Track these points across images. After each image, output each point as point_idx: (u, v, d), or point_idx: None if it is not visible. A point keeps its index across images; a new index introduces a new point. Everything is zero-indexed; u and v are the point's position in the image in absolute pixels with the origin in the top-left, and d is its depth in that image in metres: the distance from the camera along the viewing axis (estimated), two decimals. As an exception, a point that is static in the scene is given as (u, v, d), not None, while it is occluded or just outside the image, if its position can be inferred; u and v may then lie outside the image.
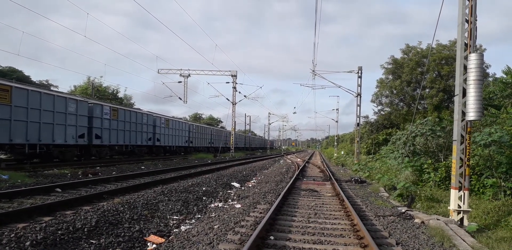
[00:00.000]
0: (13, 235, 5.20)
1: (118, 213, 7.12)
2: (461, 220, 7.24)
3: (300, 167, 22.01)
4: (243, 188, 13.06)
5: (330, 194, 11.34)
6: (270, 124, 77.69)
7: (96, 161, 21.80)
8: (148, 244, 5.81)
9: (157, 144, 30.78)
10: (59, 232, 5.59)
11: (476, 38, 7.44)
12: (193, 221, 7.55)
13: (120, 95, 52.93)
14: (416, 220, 7.67)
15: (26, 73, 41.30)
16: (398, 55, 34.99)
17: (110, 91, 50.35)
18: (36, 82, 40.77)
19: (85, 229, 5.89)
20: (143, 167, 19.12)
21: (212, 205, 9.39)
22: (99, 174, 14.66)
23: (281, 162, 32.68)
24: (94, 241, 5.54)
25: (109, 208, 7.34)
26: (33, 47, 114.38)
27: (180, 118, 37.67)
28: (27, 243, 4.97)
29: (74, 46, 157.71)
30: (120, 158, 25.82)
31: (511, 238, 6.19)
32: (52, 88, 36.20)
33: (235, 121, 41.10)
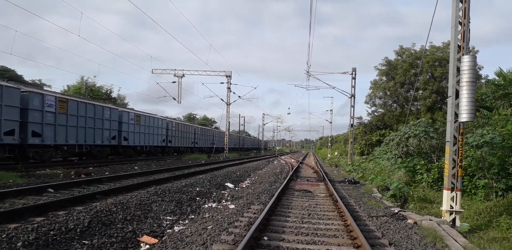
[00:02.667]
0: (4, 235, 5.15)
1: (111, 214, 7.08)
2: (454, 220, 7.29)
3: (294, 168, 22.04)
4: (237, 188, 13.05)
5: (323, 195, 11.37)
6: (264, 125, 77.82)
7: (89, 161, 21.68)
8: (141, 244, 5.79)
9: (124, 143, 26.38)
10: (51, 232, 5.55)
11: (469, 40, 7.50)
12: (186, 221, 7.54)
13: (114, 95, 52.71)
14: (409, 221, 7.71)
15: (19, 73, 41.00)
16: (393, 56, 35.20)
17: (103, 91, 50.11)
18: (29, 81, 40.43)
19: (78, 230, 5.85)
20: (136, 168, 19.04)
21: (206, 205, 9.37)
22: (92, 174, 14.57)
23: (275, 162, 32.70)
24: (86, 242, 5.51)
25: (102, 208, 7.30)
26: (28, 46, 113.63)
27: (155, 114, 33.63)
28: (19, 244, 4.93)
29: (69, 46, 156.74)
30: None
31: (502, 238, 6.25)
32: (45, 88, 35.93)
33: (229, 122, 41.07)
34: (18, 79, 35.09)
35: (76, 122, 20.38)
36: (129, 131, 27.02)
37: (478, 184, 9.84)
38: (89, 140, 21.73)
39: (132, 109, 33.35)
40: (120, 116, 25.79)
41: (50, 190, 9.90)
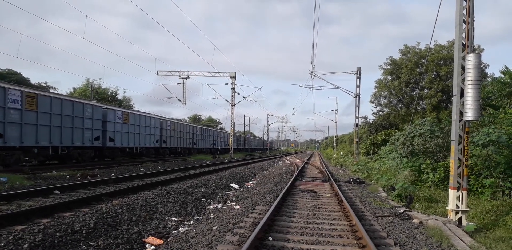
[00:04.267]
0: (11, 237, 5.20)
1: (117, 215, 7.12)
2: (459, 220, 7.25)
3: (299, 168, 22.02)
4: (242, 189, 13.06)
5: (329, 195, 11.34)
6: (269, 125, 77.83)
7: (96, 163, 21.78)
8: (147, 245, 5.81)
9: (110, 144, 23.85)
10: (58, 234, 5.59)
11: (473, 38, 7.46)
12: (191, 222, 7.55)
13: (119, 97, 52.97)
14: (415, 220, 7.68)
15: (25, 76, 41.34)
16: (397, 56, 35.05)
17: (109, 93, 50.39)
18: (35, 84, 40.74)
19: (84, 231, 5.89)
20: (142, 169, 19.11)
21: (211, 206, 9.38)
22: (98, 175, 14.65)
23: (280, 163, 32.68)
24: (92, 243, 5.54)
25: (107, 209, 7.34)
26: (34, 49, 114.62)
27: (148, 113, 31.17)
28: (26, 246, 4.97)
29: (75, 48, 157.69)
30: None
31: (509, 237, 6.20)
32: (51, 90, 36.17)
33: (234, 123, 41.12)
34: (24, 82, 35.43)
35: (49, 121, 17.92)
36: (115, 130, 24.27)
37: (485, 183, 9.77)
38: (67, 141, 19.19)
39: (121, 107, 32.22)
40: (104, 114, 23.24)
41: (57, 191, 9.97)
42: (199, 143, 44.42)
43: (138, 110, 31.92)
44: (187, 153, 40.27)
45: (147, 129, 29.32)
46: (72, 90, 48.86)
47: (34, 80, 46.48)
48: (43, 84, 44.91)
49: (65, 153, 19.63)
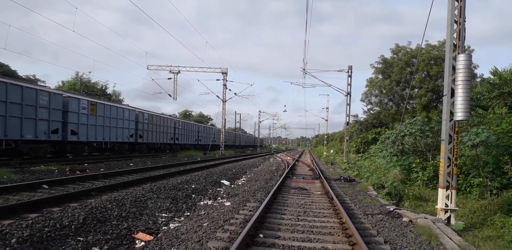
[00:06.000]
0: (-2, 232, 5.11)
1: (106, 210, 7.05)
2: (448, 218, 7.32)
3: (290, 165, 22.06)
4: (233, 185, 13.04)
5: (319, 192, 11.39)
6: (260, 122, 77.79)
7: (85, 157, 21.54)
8: (137, 241, 5.76)
9: (72, 138, 20.84)
10: (46, 229, 5.52)
11: (464, 39, 7.51)
12: (182, 218, 7.52)
13: (109, 91, 52.49)
14: (404, 219, 7.74)
15: (13, 68, 40.71)
16: (389, 55, 35.26)
17: (98, 87, 49.90)
18: (23, 77, 40.15)
19: (73, 226, 5.82)
20: (131, 164, 18.98)
21: (202, 202, 9.35)
22: (87, 170, 14.51)
23: (271, 160, 32.73)
24: (81, 239, 5.48)
25: (97, 205, 7.27)
26: (25, 42, 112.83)
27: (120, 102, 28.32)
28: (13, 240, 4.90)
29: (66, 41, 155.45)
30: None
31: (496, 236, 6.29)
32: (39, 83, 35.66)
33: (225, 119, 41.01)
34: (11, 74, 34.86)
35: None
36: (79, 122, 21.38)
37: (473, 183, 9.89)
38: (13, 133, 16.55)
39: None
40: (65, 103, 20.20)
41: (45, 186, 9.85)
42: (182, 138, 41.63)
43: (108, 100, 28.82)
44: (168, 149, 37.83)
45: (119, 122, 26.25)
46: (61, 83, 48.28)
47: (22, 72, 45.85)
48: (31, 76, 44.29)
49: (12, 147, 16.95)
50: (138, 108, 31.35)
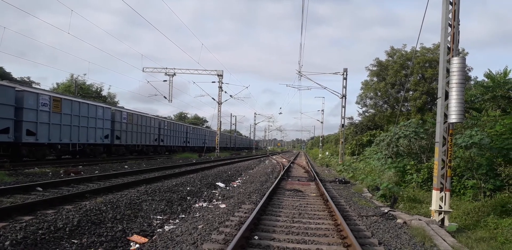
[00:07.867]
0: (-9, 234, 5.08)
1: (101, 213, 7.02)
2: (442, 220, 7.37)
3: (285, 167, 22.08)
4: (228, 188, 13.03)
5: (314, 194, 11.41)
6: (256, 124, 77.78)
7: (79, 159, 21.40)
8: (131, 244, 5.75)
9: (29, 140, 17.67)
10: (40, 231, 5.49)
11: (458, 42, 7.58)
12: (177, 221, 7.50)
13: (104, 93, 52.28)
14: (399, 220, 7.78)
15: (8, 70, 40.45)
16: (384, 57, 35.44)
17: (93, 89, 49.71)
18: (17, 79, 39.92)
19: (67, 229, 5.79)
20: (126, 166, 18.91)
21: (197, 205, 9.34)
22: (82, 173, 14.44)
23: (266, 162, 32.73)
24: (76, 241, 5.46)
25: (91, 207, 7.24)
26: (22, 44, 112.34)
27: (94, 99, 24.19)
28: (7, 243, 4.86)
29: (63, 44, 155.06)
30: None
31: (489, 238, 6.34)
32: (34, 85, 35.45)
33: (220, 121, 41.00)
34: (6, 76, 34.67)
35: None
36: (38, 121, 18.15)
37: (467, 184, 9.95)
38: None
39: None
40: (19, 99, 17.01)
41: (39, 188, 9.79)
42: (168, 139, 37.98)
43: (76, 97, 25.79)
44: (152, 151, 34.53)
45: (91, 121, 22.85)
46: (55, 85, 48.04)
47: (17, 74, 45.60)
48: (25, 79, 44.05)
49: None
50: (114, 107, 28.74)
